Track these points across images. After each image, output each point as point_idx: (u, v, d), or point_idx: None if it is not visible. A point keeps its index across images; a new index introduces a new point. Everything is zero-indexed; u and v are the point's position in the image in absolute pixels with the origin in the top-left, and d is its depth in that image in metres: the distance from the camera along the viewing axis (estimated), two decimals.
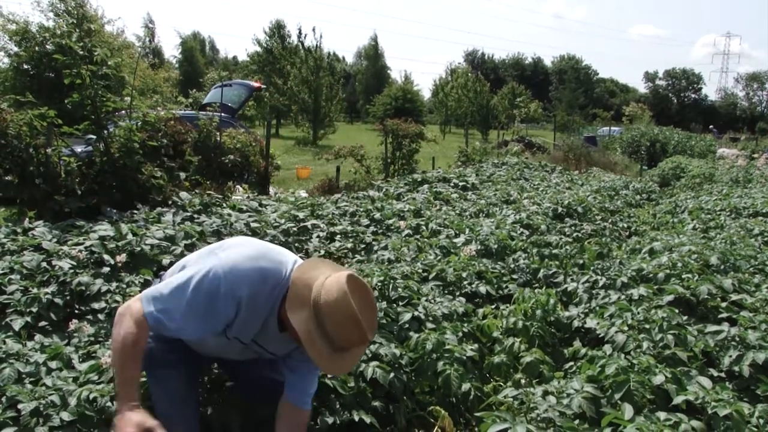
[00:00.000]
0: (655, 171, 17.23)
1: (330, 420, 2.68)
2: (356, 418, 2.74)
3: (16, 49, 9.35)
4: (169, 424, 2.30)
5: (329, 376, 2.80)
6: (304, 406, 2.28)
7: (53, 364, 2.75)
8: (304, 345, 1.88)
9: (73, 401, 2.37)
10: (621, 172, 17.35)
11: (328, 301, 1.87)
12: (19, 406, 2.28)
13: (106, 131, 5.95)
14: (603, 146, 25.23)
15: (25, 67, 7.73)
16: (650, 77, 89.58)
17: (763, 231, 6.37)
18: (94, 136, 5.90)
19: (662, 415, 2.50)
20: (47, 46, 8.09)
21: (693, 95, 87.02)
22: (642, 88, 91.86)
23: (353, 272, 1.98)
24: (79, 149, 6.11)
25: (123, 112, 6.35)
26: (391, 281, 3.99)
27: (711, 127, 41.72)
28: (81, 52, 5.78)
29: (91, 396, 2.40)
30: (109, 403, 2.40)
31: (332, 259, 5.04)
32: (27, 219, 4.81)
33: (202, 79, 34.40)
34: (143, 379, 2.45)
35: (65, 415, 2.29)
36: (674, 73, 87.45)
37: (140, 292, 3.43)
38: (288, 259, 2.11)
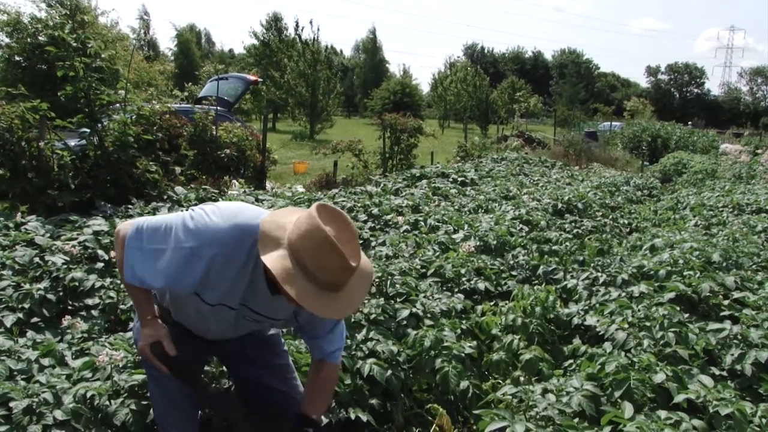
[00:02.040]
0: (657, 167, 17.19)
1: (325, 419, 2.63)
2: (352, 416, 2.70)
3: (7, 40, 9.28)
4: (168, 425, 2.26)
5: None
6: (333, 359, 2.21)
7: (46, 361, 2.72)
8: (283, 287, 1.72)
9: (66, 399, 2.33)
10: (622, 167, 17.33)
11: (300, 233, 1.74)
12: (11, 404, 2.24)
13: (100, 125, 5.91)
14: (604, 141, 25.22)
15: (17, 59, 7.66)
16: (652, 71, 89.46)
17: (766, 228, 6.34)
18: (88, 130, 5.86)
19: (663, 413, 2.47)
20: (39, 38, 8.02)
21: (695, 90, 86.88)
22: (644, 82, 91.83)
23: (325, 202, 1.87)
24: (72, 143, 6.06)
25: (117, 105, 6.30)
26: (389, 277, 3.95)
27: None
28: (74, 44, 5.73)
29: (90, 394, 2.35)
30: (106, 402, 2.36)
31: None
32: (19, 213, 4.76)
33: (198, 72, 34.33)
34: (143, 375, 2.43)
35: (59, 414, 2.25)
36: (676, 67, 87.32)
37: None
38: (265, 213, 1.99)
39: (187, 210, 2.00)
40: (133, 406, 2.34)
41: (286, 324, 2.24)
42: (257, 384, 2.40)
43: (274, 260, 1.74)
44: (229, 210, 1.93)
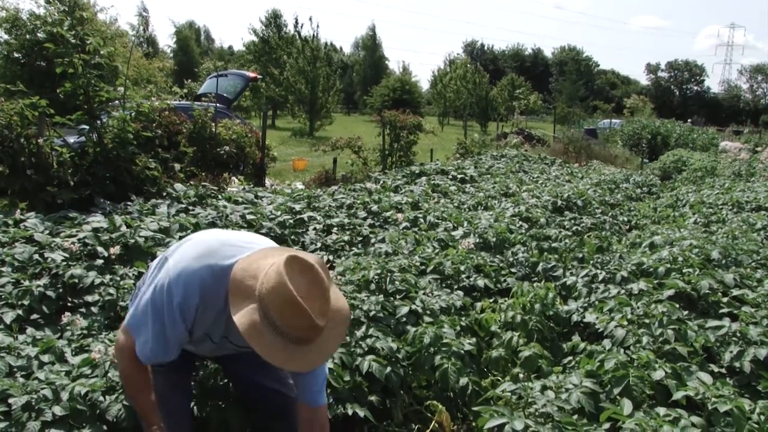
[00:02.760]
0: (656, 164, 17.19)
1: None
2: (350, 412, 2.70)
3: (6, 37, 9.24)
4: (163, 418, 2.25)
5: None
6: (316, 404, 2.15)
7: (45, 358, 2.72)
8: (249, 343, 1.71)
9: (65, 396, 2.33)
10: (621, 165, 17.32)
11: (268, 288, 1.71)
12: (10, 401, 2.24)
13: (99, 121, 5.90)
14: (603, 139, 25.23)
15: (16, 55, 7.64)
16: (652, 69, 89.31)
17: (766, 225, 6.34)
18: (87, 127, 5.84)
19: (662, 410, 2.47)
20: (38, 35, 8.00)
21: (695, 87, 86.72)
22: (644, 80, 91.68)
23: (296, 253, 1.81)
24: (71, 140, 6.05)
25: (116, 102, 6.29)
26: (389, 274, 3.95)
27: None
28: (73, 41, 5.72)
29: (84, 391, 2.36)
30: (101, 398, 2.36)
31: (329, 252, 5.00)
32: (18, 210, 4.76)
33: (197, 69, 34.32)
34: None
35: (57, 410, 2.25)
36: (676, 64, 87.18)
37: (134, 284, 3.41)
38: (244, 251, 1.94)
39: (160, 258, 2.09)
40: (126, 402, 2.34)
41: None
42: (250, 382, 2.41)
43: (242, 316, 1.73)
44: (201, 248, 1.96)
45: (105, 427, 2.27)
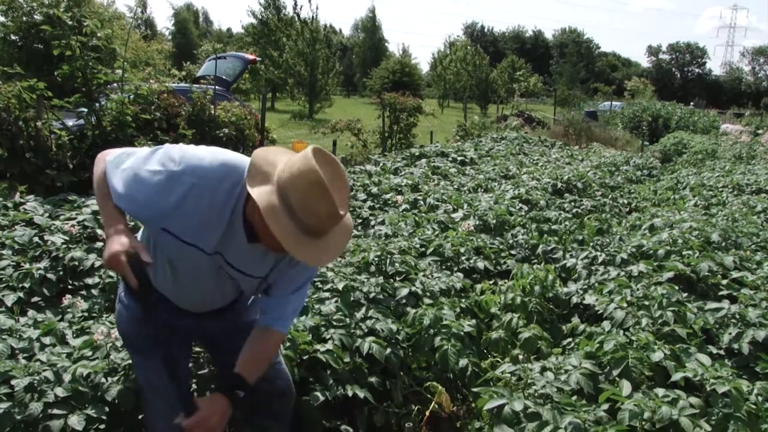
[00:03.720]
0: (657, 147, 17.15)
1: (322, 396, 2.65)
2: (350, 393, 2.71)
3: (2, 19, 9.14)
4: (155, 409, 2.23)
5: (322, 350, 2.77)
6: (280, 326, 2.06)
7: (47, 340, 2.72)
8: (265, 219, 1.66)
9: (67, 377, 2.34)
10: (622, 147, 17.28)
11: (292, 172, 1.68)
12: (13, 382, 2.25)
13: (97, 104, 5.87)
14: (604, 121, 25.13)
15: (13, 38, 7.57)
16: (653, 51, 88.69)
17: (766, 208, 6.34)
18: (86, 109, 5.81)
19: (660, 391, 2.48)
20: (35, 16, 7.92)
21: (697, 70, 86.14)
22: (645, 62, 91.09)
23: (321, 147, 1.79)
24: (70, 123, 6.02)
25: (114, 84, 6.25)
26: (388, 256, 3.95)
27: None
28: (70, 23, 5.68)
29: (86, 372, 2.36)
30: (103, 380, 2.37)
31: None
32: (18, 194, 4.74)
33: (196, 51, 34.07)
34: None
35: (59, 391, 2.26)
36: (678, 47, 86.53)
37: None
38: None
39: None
40: (128, 384, 2.35)
41: (259, 287, 2.09)
42: (231, 356, 2.34)
43: (260, 194, 1.69)
44: (217, 149, 1.89)
45: (106, 409, 2.28)
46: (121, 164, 1.85)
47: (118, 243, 1.79)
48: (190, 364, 2.56)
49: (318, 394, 2.65)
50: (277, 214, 1.67)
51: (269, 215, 1.66)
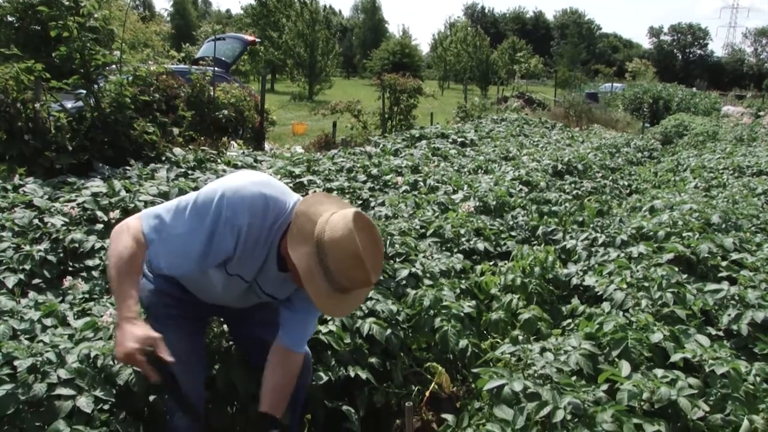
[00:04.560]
0: (658, 128, 17.07)
1: (325, 377, 2.66)
2: (352, 374, 2.73)
3: None
4: (173, 382, 2.26)
5: (324, 332, 2.78)
6: (300, 349, 2.16)
7: (48, 322, 2.72)
8: (302, 281, 1.78)
9: (70, 359, 2.34)
10: (623, 129, 17.23)
11: (333, 238, 1.77)
12: (16, 363, 2.25)
13: (96, 86, 5.83)
14: (605, 103, 25.01)
15: (9, 19, 7.48)
16: (655, 32, 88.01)
17: (766, 190, 6.32)
18: (84, 91, 5.78)
19: (659, 372, 2.49)
20: None
21: (699, 51, 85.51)
22: (646, 43, 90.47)
23: (360, 210, 1.88)
24: (69, 105, 5.99)
25: (113, 66, 6.21)
26: (389, 237, 3.95)
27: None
28: (66, 3, 5.62)
29: (94, 354, 2.37)
30: (111, 362, 2.38)
31: None
32: (17, 176, 4.73)
33: (195, 32, 33.80)
34: None
35: (62, 373, 2.26)
36: (680, 28, 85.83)
37: None
38: (291, 193, 2.00)
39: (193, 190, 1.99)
40: (137, 369, 2.36)
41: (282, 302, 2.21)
42: (255, 341, 2.40)
43: (300, 257, 1.78)
44: (258, 177, 1.93)
45: (114, 391, 2.29)
46: (164, 230, 1.89)
47: (132, 338, 1.78)
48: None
49: (321, 374, 2.67)
50: (313, 277, 1.78)
51: (307, 279, 1.78)
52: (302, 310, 2.13)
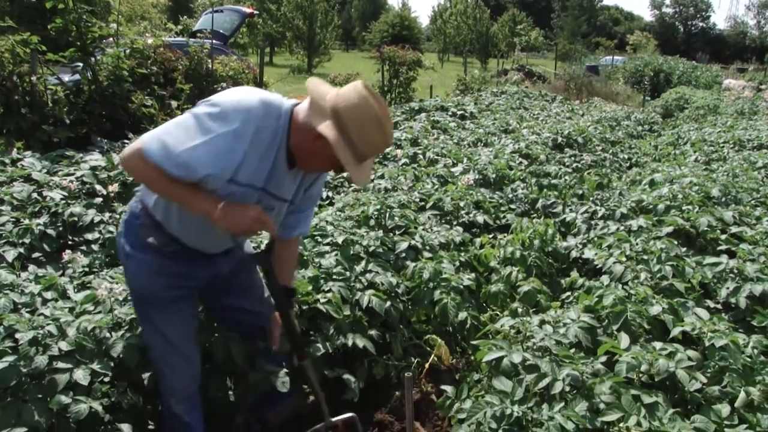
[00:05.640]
0: (659, 102, 16.96)
1: (323, 347, 2.68)
2: (350, 343, 2.74)
3: None
4: (165, 368, 2.28)
5: (322, 301, 2.79)
6: (306, 232, 2.44)
7: (48, 295, 2.73)
8: (335, 149, 1.82)
9: (70, 331, 2.35)
10: (623, 102, 17.13)
11: (348, 106, 1.83)
12: (17, 336, 2.26)
13: (93, 58, 5.77)
14: (605, 76, 24.84)
15: None
16: (656, 4, 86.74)
17: (766, 164, 6.30)
18: (81, 64, 5.72)
19: (658, 345, 2.50)
20: None
21: (701, 24, 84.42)
22: (648, 16, 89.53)
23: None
24: (66, 78, 5.93)
25: (110, 39, 6.13)
26: (388, 210, 3.95)
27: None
28: None
29: (91, 327, 2.38)
30: (107, 334, 2.39)
31: (328, 188, 4.99)
32: (15, 150, 4.71)
33: (193, 5, 33.33)
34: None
35: (63, 345, 2.27)
36: (682, 0, 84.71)
37: None
38: (282, 97, 2.03)
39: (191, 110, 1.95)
40: (132, 340, 2.37)
41: (284, 209, 2.19)
42: (233, 308, 2.47)
43: (326, 127, 1.83)
44: (246, 89, 1.98)
45: (111, 364, 2.30)
46: (172, 150, 1.82)
47: (249, 207, 1.93)
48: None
49: (319, 345, 2.68)
50: (342, 145, 1.83)
51: (337, 147, 1.82)
52: (307, 207, 2.29)
